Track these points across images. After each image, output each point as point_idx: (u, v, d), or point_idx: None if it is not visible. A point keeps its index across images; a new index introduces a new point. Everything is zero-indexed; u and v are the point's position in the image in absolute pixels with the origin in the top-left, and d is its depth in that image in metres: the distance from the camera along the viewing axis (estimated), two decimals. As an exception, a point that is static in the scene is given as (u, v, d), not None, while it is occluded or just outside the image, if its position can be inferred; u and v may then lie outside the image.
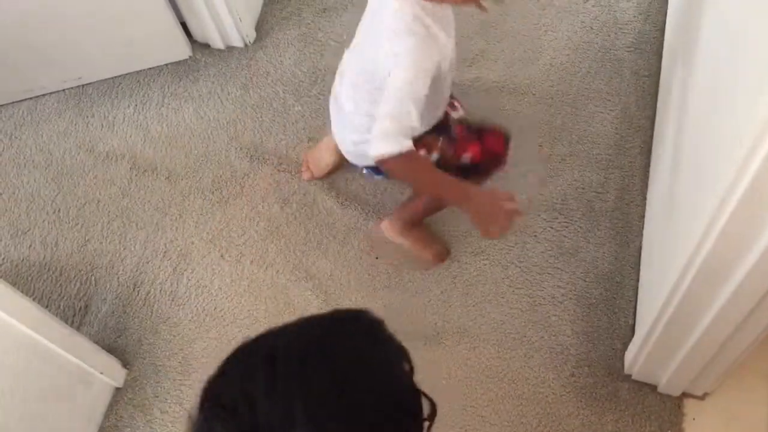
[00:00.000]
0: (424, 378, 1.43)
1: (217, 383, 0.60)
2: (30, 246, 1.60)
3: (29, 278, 1.55)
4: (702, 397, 1.30)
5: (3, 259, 1.58)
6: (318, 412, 0.56)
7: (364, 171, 1.39)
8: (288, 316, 1.42)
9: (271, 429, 0.56)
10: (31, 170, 1.70)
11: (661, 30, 1.69)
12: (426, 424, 0.64)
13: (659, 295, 1.10)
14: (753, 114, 0.74)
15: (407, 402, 0.63)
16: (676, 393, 1.29)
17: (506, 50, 1.70)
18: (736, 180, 0.79)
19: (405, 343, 0.62)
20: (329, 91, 1.71)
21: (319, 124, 1.67)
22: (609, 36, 1.73)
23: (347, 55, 1.31)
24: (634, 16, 1.75)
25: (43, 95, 1.79)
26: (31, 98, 1.79)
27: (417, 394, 0.63)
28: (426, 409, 0.64)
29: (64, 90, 1.79)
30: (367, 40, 1.22)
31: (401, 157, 1.09)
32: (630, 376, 1.33)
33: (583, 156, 1.57)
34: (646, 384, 1.32)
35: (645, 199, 1.49)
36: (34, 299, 1.35)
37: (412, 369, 0.65)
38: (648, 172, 1.52)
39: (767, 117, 0.71)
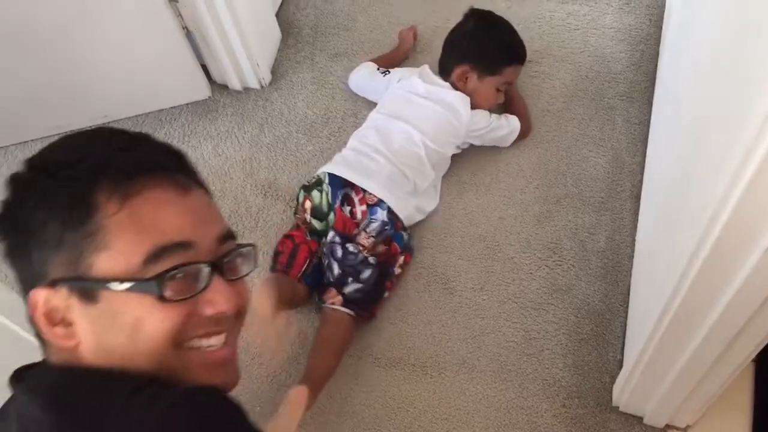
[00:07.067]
0: (425, 406, 1.51)
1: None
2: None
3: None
4: (684, 429, 1.38)
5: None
6: None
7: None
8: (291, 342, 1.51)
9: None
10: (58, 202, 1.80)
11: (652, 80, 1.80)
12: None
13: (643, 331, 1.19)
14: (718, 175, 0.84)
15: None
16: (660, 425, 1.38)
17: (506, 96, 1.80)
18: (704, 235, 0.89)
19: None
20: (339, 132, 1.83)
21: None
22: (603, 85, 1.84)
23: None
24: (627, 67, 1.86)
25: (71, 131, 1.89)
26: (59, 133, 1.88)
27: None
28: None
29: (90, 126, 1.90)
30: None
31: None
32: (618, 407, 1.41)
33: (577, 198, 1.67)
34: (632, 416, 1.40)
35: (634, 240, 1.59)
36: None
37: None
38: (637, 215, 1.62)
39: (727, 185, 0.81)
